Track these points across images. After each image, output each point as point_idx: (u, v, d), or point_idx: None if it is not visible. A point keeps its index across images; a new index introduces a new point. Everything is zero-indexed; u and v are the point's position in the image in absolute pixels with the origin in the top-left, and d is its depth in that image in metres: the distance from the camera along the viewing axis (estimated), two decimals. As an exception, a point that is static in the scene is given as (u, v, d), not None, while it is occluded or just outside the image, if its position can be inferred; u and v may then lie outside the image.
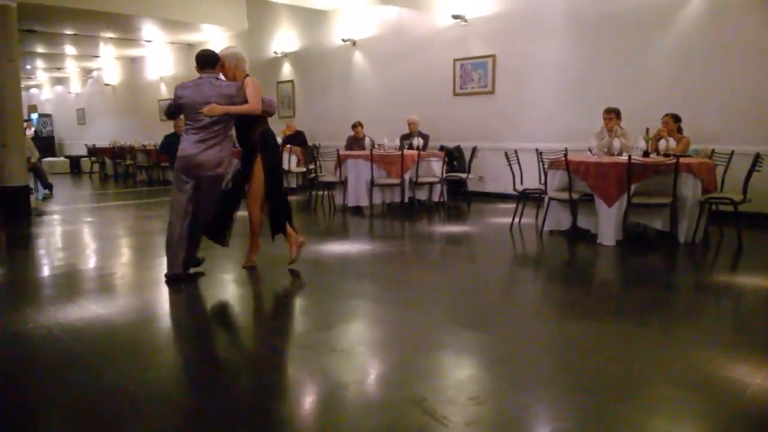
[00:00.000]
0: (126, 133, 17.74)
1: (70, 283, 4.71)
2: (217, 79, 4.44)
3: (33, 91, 25.26)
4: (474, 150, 8.57)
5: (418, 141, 8.29)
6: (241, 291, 4.43)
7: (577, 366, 2.89)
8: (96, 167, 16.76)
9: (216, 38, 14.37)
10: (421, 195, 8.50)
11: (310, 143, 11.17)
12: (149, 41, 15.21)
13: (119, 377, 2.83)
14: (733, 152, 6.04)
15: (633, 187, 5.46)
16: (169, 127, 11.64)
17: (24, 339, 3.38)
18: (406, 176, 7.98)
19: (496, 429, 2.32)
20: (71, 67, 20.40)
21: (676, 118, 6.53)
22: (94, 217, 8.70)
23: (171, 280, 4.44)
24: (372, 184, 7.89)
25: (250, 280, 4.65)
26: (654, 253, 5.65)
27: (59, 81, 23.23)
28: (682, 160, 5.43)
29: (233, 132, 4.62)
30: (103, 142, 17.22)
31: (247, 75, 4.54)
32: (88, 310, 3.86)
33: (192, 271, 4.64)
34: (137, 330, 3.55)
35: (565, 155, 5.83)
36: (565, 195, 5.82)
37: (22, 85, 9.65)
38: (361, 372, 2.87)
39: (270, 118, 4.74)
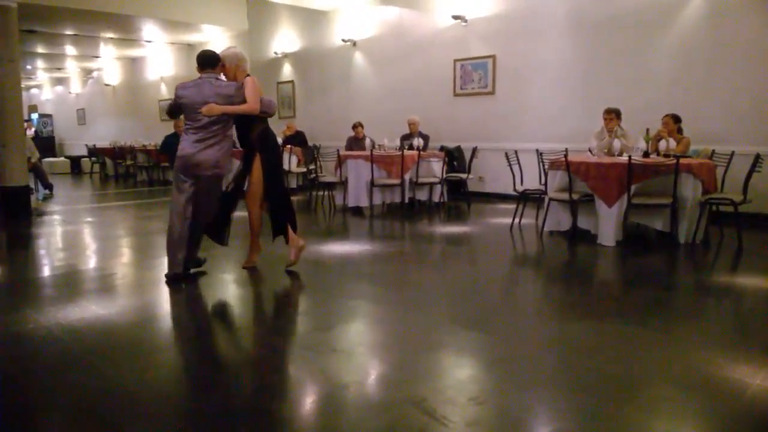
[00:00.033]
0: (126, 133, 17.75)
1: (70, 283, 4.72)
2: (217, 79, 4.46)
3: (33, 91, 25.27)
4: (474, 150, 8.57)
5: (418, 141, 8.29)
6: (241, 291, 4.43)
7: (577, 366, 2.89)
8: (96, 167, 16.76)
9: (216, 38, 14.37)
10: (422, 195, 8.50)
11: (310, 143, 11.17)
12: (149, 41, 15.21)
13: (119, 377, 2.83)
14: (733, 153, 6.04)
15: (633, 188, 5.46)
16: (169, 128, 11.66)
17: (24, 339, 3.38)
18: (407, 176, 7.98)
19: (496, 429, 2.32)
20: (71, 68, 20.41)
21: (677, 119, 6.53)
22: (95, 217, 8.70)
23: (171, 279, 4.45)
24: (372, 184, 7.89)
25: (251, 280, 4.65)
26: (654, 253, 5.64)
27: (59, 81, 23.24)
28: (682, 160, 5.43)
29: (233, 132, 4.62)
30: (103, 143, 17.22)
31: (248, 75, 4.54)
32: (89, 310, 3.86)
33: (192, 271, 4.65)
34: (137, 330, 3.55)
35: (566, 156, 5.83)
36: (565, 195, 5.82)
37: (22, 86, 9.64)
38: (361, 372, 2.87)
39: (270, 119, 4.74)
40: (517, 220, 6.72)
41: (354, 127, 9.59)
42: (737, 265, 5.21)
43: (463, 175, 8.64)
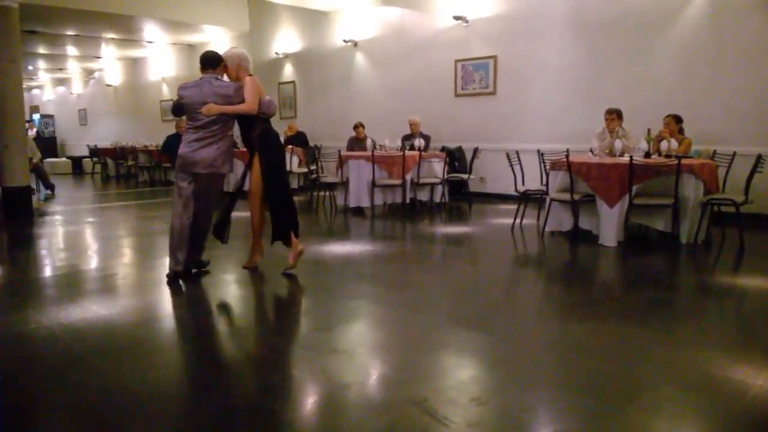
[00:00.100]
0: (128, 133, 17.75)
1: (71, 283, 4.72)
2: (217, 79, 4.48)
3: (35, 91, 25.30)
4: (475, 151, 8.57)
5: (419, 142, 8.29)
6: (242, 291, 4.43)
7: (578, 367, 2.89)
8: (98, 168, 16.77)
9: (217, 39, 14.38)
10: (423, 196, 8.50)
11: (311, 144, 11.18)
12: (151, 42, 15.22)
13: (121, 377, 2.84)
14: (734, 153, 6.03)
15: (634, 188, 5.46)
16: (170, 128, 11.68)
17: (26, 339, 3.38)
18: (408, 177, 7.98)
19: (497, 430, 2.32)
20: (73, 68, 20.43)
21: (678, 119, 6.52)
22: (96, 217, 8.71)
23: (170, 278, 4.47)
24: (373, 184, 7.89)
25: (252, 280, 4.65)
26: (655, 254, 5.64)
27: (61, 82, 23.26)
28: (683, 161, 5.43)
29: (234, 132, 4.63)
30: (104, 143, 17.23)
31: (250, 75, 4.55)
32: (90, 310, 3.86)
33: (194, 271, 4.66)
34: (139, 330, 3.56)
35: (567, 156, 5.83)
36: (566, 196, 5.81)
37: (24, 86, 9.65)
38: (362, 373, 2.87)
39: (272, 119, 4.74)
40: (518, 220, 6.72)
41: (355, 127, 9.59)
42: (739, 265, 5.21)
43: (465, 176, 8.64)
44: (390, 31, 10.61)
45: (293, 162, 10.30)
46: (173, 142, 9.64)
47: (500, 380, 2.77)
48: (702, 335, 3.41)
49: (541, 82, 8.70)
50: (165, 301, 4.20)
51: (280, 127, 10.82)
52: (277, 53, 12.85)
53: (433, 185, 8.43)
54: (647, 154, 5.83)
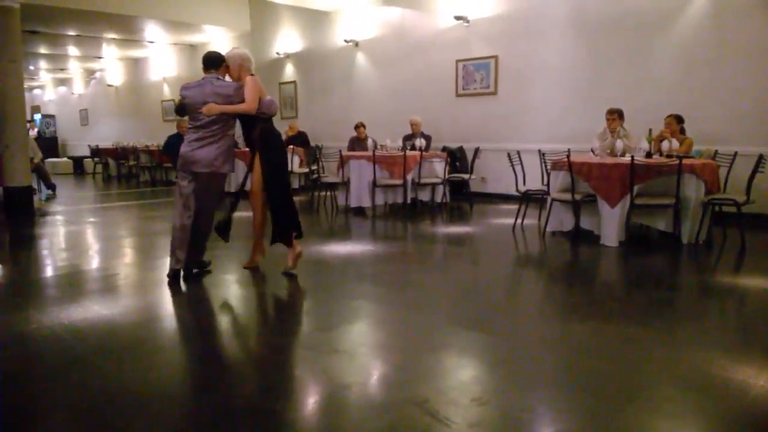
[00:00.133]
0: (129, 133, 17.77)
1: (73, 283, 4.72)
2: (218, 79, 4.50)
3: (36, 91, 25.34)
4: (476, 151, 8.56)
5: (420, 142, 8.29)
6: (243, 291, 4.43)
7: (580, 367, 2.89)
8: (99, 168, 16.78)
9: (218, 39, 14.39)
10: (424, 196, 8.49)
11: (312, 144, 11.19)
12: (152, 42, 15.23)
13: (122, 377, 2.84)
14: (736, 153, 6.02)
15: (636, 188, 5.45)
16: (171, 128, 11.69)
17: (27, 339, 3.39)
18: (409, 177, 7.98)
19: (499, 430, 2.31)
20: (74, 68, 20.44)
21: (679, 119, 6.52)
22: (97, 217, 8.72)
23: (170, 276, 4.49)
24: (374, 184, 7.89)
25: (253, 280, 4.65)
26: (657, 254, 5.64)
27: (62, 82, 23.29)
28: (685, 161, 5.42)
29: (235, 131, 4.64)
30: (106, 143, 17.24)
31: (252, 75, 4.55)
32: (91, 310, 3.86)
33: (195, 271, 4.67)
34: (140, 330, 3.56)
35: (568, 156, 5.82)
36: (567, 196, 5.81)
37: (25, 86, 9.67)
38: (363, 373, 2.87)
39: (273, 119, 4.74)
40: (519, 220, 6.72)
41: (356, 127, 9.59)
42: (740, 265, 5.20)
43: (466, 176, 8.64)
44: (391, 31, 10.61)
45: (294, 162, 10.31)
46: (174, 142, 9.65)
47: (501, 380, 2.77)
48: (703, 335, 3.40)
49: (542, 82, 8.69)
50: (166, 301, 4.21)
51: (281, 127, 10.79)
52: (278, 53, 12.86)
53: (434, 185, 8.43)
54: (648, 154, 5.82)
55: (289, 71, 12.87)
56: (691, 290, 4.50)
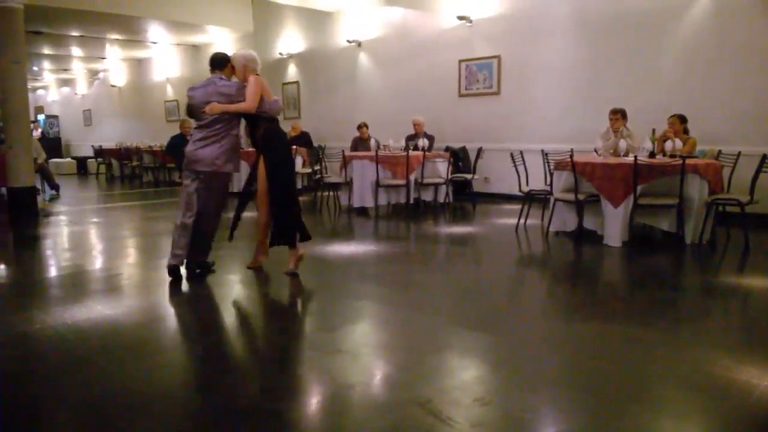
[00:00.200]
0: (132, 134, 17.80)
1: (76, 283, 4.73)
2: (221, 79, 4.54)
3: (40, 92, 25.39)
4: (479, 151, 8.55)
5: (423, 142, 8.29)
6: (246, 291, 4.44)
7: (583, 367, 2.89)
8: (102, 168, 16.83)
9: (221, 39, 14.39)
10: (427, 196, 8.49)
11: (315, 144, 11.19)
12: (155, 43, 15.25)
13: (125, 377, 2.84)
14: (739, 153, 6.01)
15: (639, 188, 5.44)
16: (174, 128, 11.70)
17: (31, 339, 3.40)
18: (412, 177, 7.98)
19: (501, 430, 2.31)
20: (78, 69, 20.49)
21: (683, 119, 6.50)
22: (101, 217, 8.74)
23: (168, 271, 4.51)
24: (377, 185, 7.89)
25: (256, 280, 4.66)
26: (660, 254, 5.62)
27: (66, 82, 23.34)
28: (688, 161, 5.41)
29: (238, 131, 4.66)
30: (109, 144, 17.29)
31: (257, 75, 4.57)
32: (95, 310, 3.87)
33: (197, 272, 4.68)
34: (143, 330, 3.57)
35: (571, 156, 5.81)
36: (570, 196, 5.80)
37: (28, 87, 9.69)
38: (366, 373, 2.87)
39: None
40: (522, 220, 6.71)
41: (359, 127, 9.59)
42: (744, 265, 5.18)
43: (469, 176, 8.63)
44: (393, 32, 10.62)
45: (297, 162, 10.30)
46: (177, 142, 9.67)
47: (504, 381, 2.76)
48: (707, 336, 3.40)
49: (545, 81, 8.69)
50: (169, 301, 4.21)
51: (284, 127, 10.83)
52: (281, 53, 12.87)
53: (437, 185, 8.43)
54: (652, 154, 5.81)
55: (292, 71, 12.88)
56: (694, 290, 4.49)
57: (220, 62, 4.59)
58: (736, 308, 4.07)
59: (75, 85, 22.74)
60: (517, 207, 7.10)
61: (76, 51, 16.56)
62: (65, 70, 20.52)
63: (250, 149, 4.98)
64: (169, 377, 2.89)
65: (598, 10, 8.00)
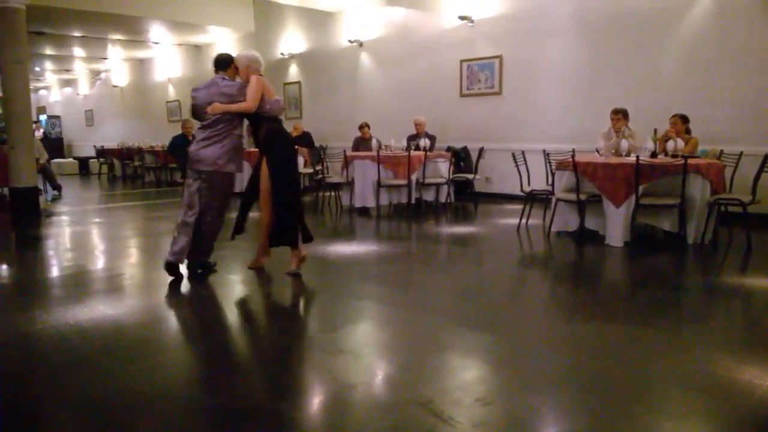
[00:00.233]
0: (134, 134, 17.83)
1: (78, 283, 4.74)
2: (224, 79, 4.56)
3: (42, 92, 25.44)
4: (481, 151, 8.55)
5: (424, 142, 8.28)
6: (248, 291, 4.44)
7: (584, 367, 2.88)
8: (104, 168, 16.85)
9: (223, 40, 14.41)
10: (428, 196, 8.49)
11: (317, 144, 11.19)
12: (157, 43, 15.27)
13: (127, 377, 2.85)
14: (741, 153, 6.00)
15: (641, 188, 5.44)
16: (176, 128, 11.70)
17: (33, 339, 3.40)
18: (413, 177, 7.98)
19: (503, 430, 2.31)
20: (80, 69, 20.53)
21: (685, 119, 6.49)
22: (103, 218, 8.75)
23: (165, 267, 4.51)
24: (379, 185, 7.89)
25: (258, 280, 4.66)
26: (662, 254, 5.62)
27: (68, 83, 23.38)
28: (690, 161, 5.41)
29: (241, 131, 4.67)
30: (111, 144, 17.32)
31: (260, 75, 4.57)
32: (97, 310, 3.88)
33: (199, 272, 4.68)
34: (145, 330, 3.57)
35: (573, 156, 5.81)
36: (572, 196, 5.80)
37: (31, 87, 9.70)
38: (368, 373, 2.87)
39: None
40: (524, 220, 6.71)
41: (360, 127, 9.60)
42: (746, 265, 5.18)
43: (470, 176, 8.63)
44: (395, 32, 10.62)
45: (299, 162, 10.30)
46: (179, 142, 9.68)
47: (506, 380, 2.76)
48: (709, 336, 3.39)
49: (546, 81, 8.68)
50: (171, 301, 4.22)
51: (286, 127, 10.85)
52: (282, 54, 12.87)
53: (438, 185, 8.43)
54: (654, 154, 5.81)
55: (294, 72, 12.89)
56: (696, 290, 4.49)
57: (223, 63, 4.61)
58: (738, 308, 4.07)
59: (77, 86, 22.77)
60: (519, 207, 7.10)
61: (78, 51, 16.59)
62: (67, 70, 20.56)
63: (253, 149, 4.97)
64: (171, 377, 2.90)
65: (599, 10, 8.00)
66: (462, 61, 9.60)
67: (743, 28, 6.82)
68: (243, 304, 4.20)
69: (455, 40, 9.64)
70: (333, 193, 8.88)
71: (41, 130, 22.11)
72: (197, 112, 4.56)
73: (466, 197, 8.94)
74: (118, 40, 14.89)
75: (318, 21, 11.96)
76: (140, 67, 18.83)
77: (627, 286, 4.65)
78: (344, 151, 8.26)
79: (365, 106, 11.22)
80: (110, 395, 2.65)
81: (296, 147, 10.33)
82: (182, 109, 16.27)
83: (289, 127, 11.31)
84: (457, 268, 5.32)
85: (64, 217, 8.58)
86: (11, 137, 8.54)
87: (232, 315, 4.01)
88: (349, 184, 8.19)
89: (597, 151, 6.57)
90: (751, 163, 5.74)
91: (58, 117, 23.80)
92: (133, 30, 13.67)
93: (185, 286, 4.46)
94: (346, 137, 10.40)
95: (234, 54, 4.70)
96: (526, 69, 8.89)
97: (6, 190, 9.05)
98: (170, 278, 4.52)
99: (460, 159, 9.17)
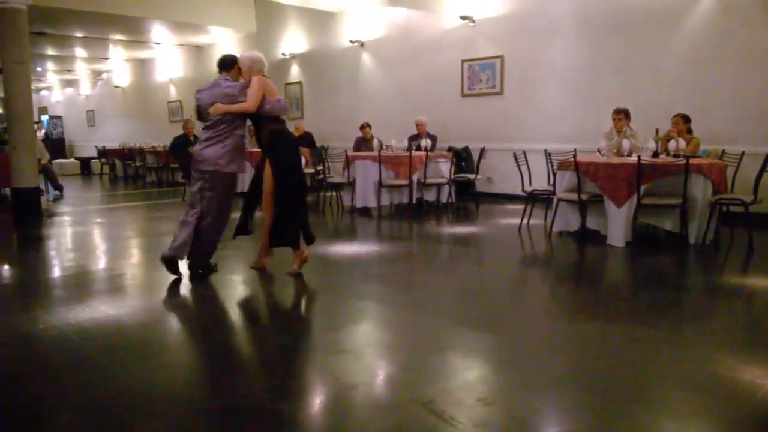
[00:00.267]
0: (136, 134, 17.85)
1: (80, 283, 4.74)
2: (227, 80, 4.58)
3: (43, 93, 25.48)
4: (482, 151, 8.54)
5: (426, 142, 8.28)
6: (249, 291, 4.45)
7: (586, 367, 2.88)
8: (106, 169, 16.87)
9: (224, 40, 14.41)
10: (429, 196, 8.49)
11: (318, 144, 11.19)
12: (158, 43, 15.28)
13: (129, 377, 2.85)
14: (743, 153, 6.00)
15: (643, 188, 5.43)
16: (178, 129, 11.71)
17: (35, 339, 3.40)
18: (414, 177, 7.98)
19: (504, 430, 2.31)
20: (81, 69, 20.54)
21: (686, 119, 6.48)
22: (104, 218, 8.75)
23: (161, 260, 4.50)
24: (380, 185, 7.89)
25: (259, 280, 4.66)
26: (664, 254, 5.61)
27: (69, 83, 23.40)
28: (692, 160, 5.40)
29: (243, 131, 4.66)
30: (112, 144, 17.33)
31: (263, 75, 4.57)
32: (99, 310, 3.88)
33: (200, 272, 4.68)
34: (147, 330, 3.57)
35: (574, 156, 5.80)
36: (574, 196, 5.80)
37: (32, 87, 9.70)
38: (369, 373, 2.87)
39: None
40: (525, 220, 6.71)
41: (362, 127, 9.60)
42: (748, 265, 5.17)
43: (471, 176, 8.63)
44: (396, 32, 10.62)
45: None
46: (180, 143, 9.68)
47: (507, 381, 2.76)
48: (710, 336, 3.39)
49: (548, 81, 8.67)
50: (173, 301, 4.22)
51: (288, 127, 10.84)
52: (283, 54, 12.88)
53: (439, 185, 8.43)
54: (655, 154, 5.80)
55: (295, 72, 12.89)
56: (698, 290, 4.48)
57: (227, 64, 4.64)
58: (739, 308, 4.06)
59: (78, 86, 22.80)
60: (520, 207, 7.10)
61: (79, 52, 16.60)
62: (69, 70, 20.58)
63: (255, 149, 4.97)
64: (173, 377, 2.90)
65: (600, 10, 7.99)
66: (463, 61, 9.60)
67: (744, 27, 6.81)
68: (244, 304, 4.21)
69: (456, 40, 9.64)
70: (334, 194, 8.88)
71: (43, 131, 22.12)
72: (201, 113, 4.59)
73: (468, 197, 8.94)
74: (120, 40, 14.90)
75: (319, 21, 11.96)
76: (142, 67, 18.85)
77: (628, 286, 4.64)
78: (345, 151, 8.26)
79: (366, 106, 11.22)
80: (111, 395, 2.65)
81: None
82: (183, 109, 16.29)
83: (290, 127, 11.34)
84: (459, 268, 5.32)
85: (66, 218, 8.59)
86: (13, 137, 8.55)
87: (233, 315, 4.01)
88: (351, 185, 8.19)
89: (598, 150, 6.57)
90: (752, 163, 5.74)
91: (59, 117, 23.82)
92: (134, 30, 13.68)
93: (186, 286, 4.46)
94: (347, 137, 10.40)
95: (238, 55, 4.71)
96: (527, 69, 8.89)
97: (8, 191, 9.06)
98: (172, 278, 4.52)
99: (462, 159, 9.17)
